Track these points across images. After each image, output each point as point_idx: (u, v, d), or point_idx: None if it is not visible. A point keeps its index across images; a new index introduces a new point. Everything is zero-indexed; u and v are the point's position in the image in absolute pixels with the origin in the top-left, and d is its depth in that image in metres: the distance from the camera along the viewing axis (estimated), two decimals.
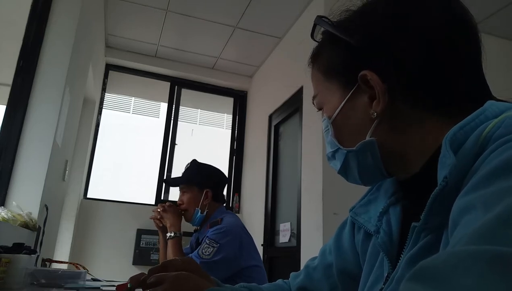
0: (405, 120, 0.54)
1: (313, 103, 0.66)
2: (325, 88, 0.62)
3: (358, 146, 0.57)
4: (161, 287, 0.57)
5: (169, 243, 1.82)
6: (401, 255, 0.52)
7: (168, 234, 1.84)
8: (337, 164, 0.62)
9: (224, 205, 2.01)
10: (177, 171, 3.98)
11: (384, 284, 0.55)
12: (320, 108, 0.64)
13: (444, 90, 0.53)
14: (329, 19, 0.61)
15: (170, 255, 1.79)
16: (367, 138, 0.56)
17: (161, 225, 1.90)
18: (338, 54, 0.59)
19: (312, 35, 0.64)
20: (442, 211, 0.43)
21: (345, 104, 0.58)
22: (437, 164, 0.46)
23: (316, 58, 0.64)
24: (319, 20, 0.62)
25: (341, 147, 0.60)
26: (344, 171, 0.62)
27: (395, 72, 0.54)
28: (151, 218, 1.94)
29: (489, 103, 0.48)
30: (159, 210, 1.91)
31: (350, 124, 0.59)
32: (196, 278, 0.62)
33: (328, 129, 0.61)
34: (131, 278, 0.64)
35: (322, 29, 0.62)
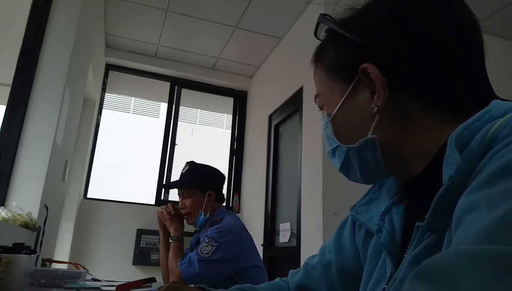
0: (405, 118, 0.54)
1: (315, 102, 0.66)
2: (328, 86, 0.62)
3: (359, 143, 0.57)
4: None
5: (171, 245, 1.84)
6: (404, 254, 0.52)
7: (171, 237, 1.87)
8: (337, 161, 0.62)
9: (224, 204, 2.00)
10: (177, 171, 3.97)
11: (386, 284, 0.55)
12: (322, 107, 0.64)
13: (444, 88, 0.53)
14: (332, 17, 0.61)
15: (170, 258, 1.80)
16: (369, 135, 0.56)
17: (164, 223, 1.91)
18: (342, 51, 0.59)
19: (315, 33, 0.64)
20: (447, 210, 0.43)
21: (346, 100, 0.58)
22: (440, 164, 0.45)
23: (319, 56, 0.64)
24: (323, 18, 0.62)
25: (341, 144, 0.59)
26: (345, 169, 0.61)
27: (395, 66, 0.54)
28: (158, 215, 1.94)
29: (494, 102, 0.48)
30: (167, 210, 1.91)
31: (350, 121, 0.58)
32: (187, 288, 0.69)
33: (328, 126, 0.61)
34: None
35: (326, 27, 0.62)
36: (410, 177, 0.56)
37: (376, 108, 0.55)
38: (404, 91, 0.54)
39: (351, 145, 0.58)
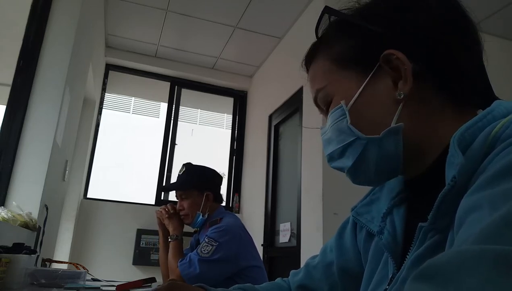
0: (427, 107, 0.54)
1: (316, 98, 0.62)
2: (337, 77, 0.59)
3: (383, 133, 0.53)
4: None
5: (170, 245, 1.85)
6: (406, 255, 0.52)
7: (170, 236, 1.88)
8: (346, 161, 0.57)
9: (224, 204, 2.01)
10: (177, 171, 3.98)
11: (388, 285, 0.54)
12: (326, 102, 0.60)
13: (460, 82, 0.54)
14: (337, 10, 0.60)
15: (170, 257, 1.80)
16: (393, 124, 0.53)
17: (163, 222, 1.92)
18: (356, 41, 0.58)
19: (317, 27, 0.63)
20: (450, 211, 0.43)
21: (364, 89, 0.55)
22: (444, 164, 0.45)
23: (324, 49, 0.61)
24: (330, 9, 0.60)
25: (363, 135, 0.54)
26: (356, 168, 0.57)
27: (421, 52, 0.53)
28: (157, 215, 1.96)
29: (496, 103, 0.48)
30: (166, 209, 1.92)
31: (370, 111, 0.55)
32: (188, 286, 0.69)
33: (345, 117, 0.56)
34: None
35: (327, 21, 0.61)
36: (417, 173, 0.56)
37: (402, 94, 0.53)
38: (428, 80, 0.54)
39: (375, 136, 0.54)
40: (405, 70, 0.53)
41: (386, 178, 0.60)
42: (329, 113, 0.59)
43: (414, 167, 0.56)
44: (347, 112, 0.56)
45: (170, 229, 1.88)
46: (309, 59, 0.64)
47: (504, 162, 0.37)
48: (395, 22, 0.55)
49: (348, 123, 0.55)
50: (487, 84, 0.56)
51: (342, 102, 0.56)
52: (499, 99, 0.52)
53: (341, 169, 0.59)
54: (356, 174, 0.58)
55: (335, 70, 0.59)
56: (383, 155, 0.54)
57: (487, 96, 0.55)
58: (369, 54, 0.56)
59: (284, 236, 3.18)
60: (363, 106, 0.55)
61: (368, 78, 0.55)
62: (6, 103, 1.99)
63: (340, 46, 0.59)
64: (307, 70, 0.66)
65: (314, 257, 0.79)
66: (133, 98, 4.77)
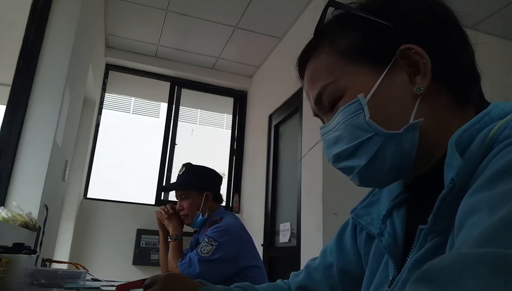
0: (440, 105, 0.53)
1: (319, 96, 0.59)
2: (349, 71, 0.56)
3: (404, 128, 0.51)
4: (153, 288, 0.66)
5: (170, 245, 1.85)
6: (407, 257, 0.52)
7: (170, 236, 1.88)
8: (358, 160, 0.54)
9: (224, 204, 2.01)
10: (177, 171, 3.98)
11: (389, 287, 0.54)
12: (334, 98, 0.57)
13: (461, 82, 0.54)
14: (344, 4, 0.60)
15: (170, 257, 1.80)
16: (411, 120, 0.51)
17: (163, 223, 1.92)
18: (367, 35, 0.56)
19: (320, 22, 0.61)
20: (449, 213, 0.43)
21: (381, 83, 0.53)
22: (443, 166, 0.45)
23: (326, 45, 0.59)
24: (336, 3, 0.59)
25: (383, 131, 0.52)
26: (369, 167, 0.54)
27: (432, 49, 0.53)
28: (156, 216, 1.96)
29: (493, 104, 0.48)
30: (165, 209, 1.93)
31: (388, 105, 0.53)
32: (185, 278, 0.70)
33: (362, 112, 0.53)
34: None
35: (330, 15, 0.60)
36: (418, 174, 0.56)
37: (422, 89, 0.52)
38: (437, 78, 0.53)
39: (396, 131, 0.52)
40: (424, 65, 0.52)
41: (395, 179, 0.58)
42: (340, 109, 0.55)
43: (418, 167, 0.55)
44: (365, 107, 0.53)
45: (170, 229, 1.89)
46: (307, 58, 0.63)
47: (502, 162, 0.37)
48: (405, 17, 0.55)
49: (367, 118, 0.53)
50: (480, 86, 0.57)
51: (360, 96, 0.53)
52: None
53: (348, 170, 0.57)
54: (367, 174, 0.55)
55: (344, 64, 0.57)
56: (399, 153, 0.52)
57: (483, 97, 0.55)
58: (383, 48, 0.55)
59: (284, 236, 3.18)
60: (380, 100, 0.53)
61: (384, 72, 0.54)
62: (6, 103, 1.99)
63: (347, 40, 0.57)
64: (303, 69, 0.65)
65: (314, 259, 0.79)
66: (133, 98, 4.77)
